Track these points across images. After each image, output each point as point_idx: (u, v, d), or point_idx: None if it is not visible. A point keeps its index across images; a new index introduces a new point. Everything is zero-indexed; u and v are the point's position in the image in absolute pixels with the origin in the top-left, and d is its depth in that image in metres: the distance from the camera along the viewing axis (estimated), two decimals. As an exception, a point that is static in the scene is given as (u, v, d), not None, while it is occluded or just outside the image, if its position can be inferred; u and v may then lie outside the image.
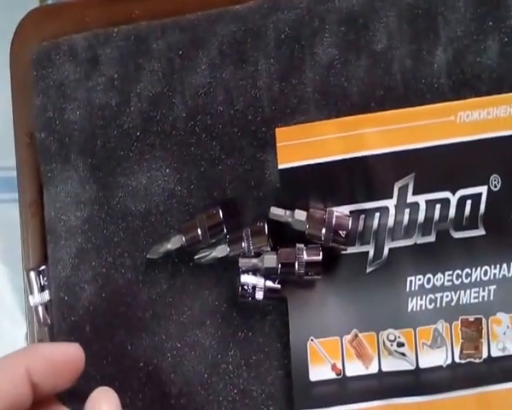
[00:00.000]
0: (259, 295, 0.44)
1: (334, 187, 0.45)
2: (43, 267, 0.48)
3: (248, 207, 0.46)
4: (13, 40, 0.50)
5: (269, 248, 0.45)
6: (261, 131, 0.46)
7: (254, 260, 0.44)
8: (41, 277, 0.47)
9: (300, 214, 0.44)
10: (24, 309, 0.49)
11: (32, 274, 0.47)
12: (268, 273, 0.44)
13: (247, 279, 0.44)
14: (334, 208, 0.44)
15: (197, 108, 0.47)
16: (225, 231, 0.45)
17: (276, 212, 0.44)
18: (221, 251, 0.45)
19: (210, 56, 0.47)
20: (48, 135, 0.48)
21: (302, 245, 0.44)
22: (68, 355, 0.39)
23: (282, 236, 0.45)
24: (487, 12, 0.46)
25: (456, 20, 0.46)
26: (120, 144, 0.47)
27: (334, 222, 0.43)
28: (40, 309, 0.47)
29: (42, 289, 0.47)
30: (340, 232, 0.43)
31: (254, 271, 0.44)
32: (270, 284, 0.44)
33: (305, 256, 0.43)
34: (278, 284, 0.45)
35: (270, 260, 0.44)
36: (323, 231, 0.43)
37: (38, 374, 0.37)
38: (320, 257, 0.43)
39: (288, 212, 0.44)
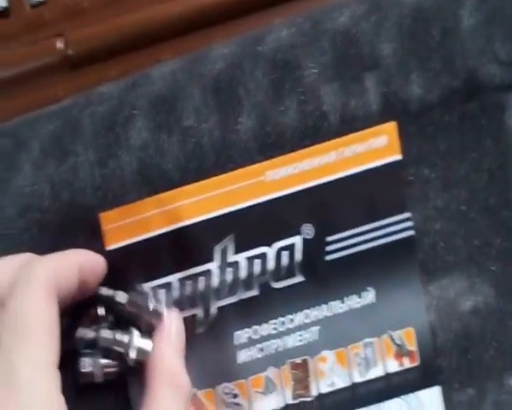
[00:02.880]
0: (98, 378, 0.46)
1: (160, 259, 0.48)
2: None
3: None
4: None
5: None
6: (88, 218, 0.49)
7: (91, 335, 0.46)
8: None
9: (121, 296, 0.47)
10: None
11: None
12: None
13: (86, 361, 0.46)
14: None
15: (26, 206, 0.49)
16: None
17: (103, 292, 0.47)
18: None
19: (32, 156, 0.50)
20: None
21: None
22: (100, 262, 0.46)
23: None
24: (283, 75, 0.50)
25: (256, 87, 0.49)
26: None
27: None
28: None
29: None
30: None
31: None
32: (106, 361, 0.46)
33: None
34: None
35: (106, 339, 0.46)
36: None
37: (84, 273, 0.44)
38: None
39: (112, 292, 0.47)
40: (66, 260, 0.44)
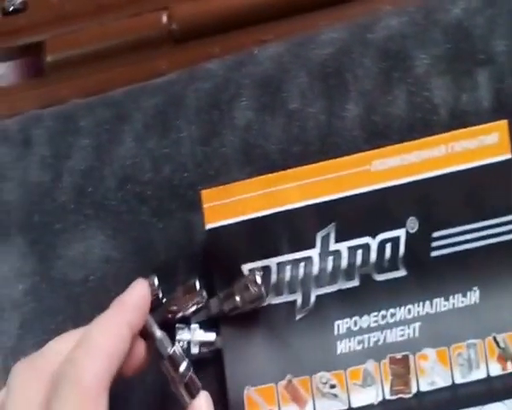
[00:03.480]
0: (195, 349, 0.45)
1: (261, 242, 0.47)
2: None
3: (181, 268, 0.48)
4: None
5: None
6: (188, 194, 0.48)
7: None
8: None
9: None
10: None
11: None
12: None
13: (182, 336, 0.46)
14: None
15: (126, 178, 0.49)
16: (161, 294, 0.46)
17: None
18: None
19: (135, 129, 0.49)
20: (-14, 217, 0.49)
21: None
22: (144, 293, 0.43)
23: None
24: (393, 64, 0.48)
25: (364, 74, 0.48)
26: (56, 218, 0.49)
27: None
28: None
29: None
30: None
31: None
32: (204, 337, 0.46)
33: None
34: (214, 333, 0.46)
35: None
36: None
37: (134, 325, 0.41)
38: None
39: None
40: (117, 336, 0.39)
